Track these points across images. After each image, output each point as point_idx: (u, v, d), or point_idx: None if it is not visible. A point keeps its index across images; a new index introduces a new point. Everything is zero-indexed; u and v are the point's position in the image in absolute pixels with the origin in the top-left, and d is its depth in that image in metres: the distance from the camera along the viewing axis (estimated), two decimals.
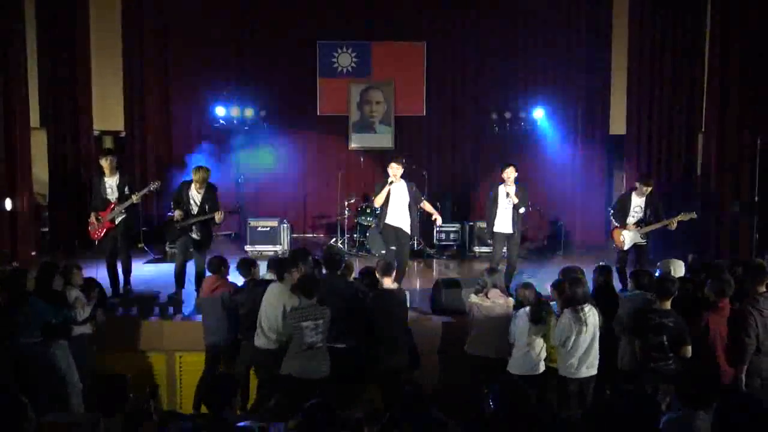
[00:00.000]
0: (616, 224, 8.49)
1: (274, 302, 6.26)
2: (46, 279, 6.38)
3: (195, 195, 8.15)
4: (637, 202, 8.39)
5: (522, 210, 8.41)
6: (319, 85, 12.76)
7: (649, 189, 8.36)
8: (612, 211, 8.68)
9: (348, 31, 12.66)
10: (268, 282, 6.57)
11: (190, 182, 8.17)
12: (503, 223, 8.47)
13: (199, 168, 8.21)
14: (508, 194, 8.30)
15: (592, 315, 5.83)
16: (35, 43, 10.75)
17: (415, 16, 12.60)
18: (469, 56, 12.65)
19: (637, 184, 8.47)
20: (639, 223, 8.32)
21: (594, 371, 5.90)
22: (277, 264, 6.66)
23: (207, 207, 8.11)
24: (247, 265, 6.94)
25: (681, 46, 11.06)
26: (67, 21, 11.09)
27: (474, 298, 6.50)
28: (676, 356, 5.79)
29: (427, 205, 8.46)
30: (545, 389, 6.14)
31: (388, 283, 6.44)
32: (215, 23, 12.35)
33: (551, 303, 6.36)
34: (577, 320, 5.79)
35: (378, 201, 8.13)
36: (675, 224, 8.18)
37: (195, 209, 8.15)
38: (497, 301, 6.38)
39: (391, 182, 8.01)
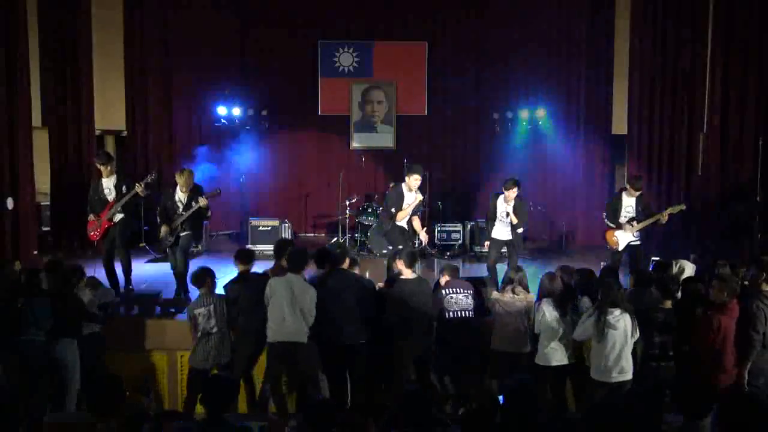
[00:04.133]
0: (610, 225, 8.48)
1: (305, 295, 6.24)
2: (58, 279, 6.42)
3: (181, 196, 8.00)
4: (629, 202, 8.42)
5: (520, 230, 8.37)
6: (321, 84, 12.75)
7: (639, 192, 8.37)
8: (605, 214, 8.66)
9: (350, 31, 12.68)
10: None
11: (175, 186, 8.04)
12: (501, 231, 8.47)
13: (182, 171, 8.05)
14: (508, 214, 8.27)
15: (622, 320, 5.69)
16: (37, 42, 10.74)
17: (417, 15, 12.60)
18: (470, 56, 12.64)
19: (628, 186, 8.51)
20: (631, 221, 8.31)
21: (626, 377, 5.74)
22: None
23: (193, 204, 7.93)
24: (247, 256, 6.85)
25: (682, 45, 11.04)
26: (68, 20, 11.07)
27: (495, 295, 6.58)
28: (676, 356, 5.81)
29: (416, 221, 8.48)
30: (567, 382, 6.20)
31: (408, 274, 6.47)
32: (216, 22, 12.34)
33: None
34: (600, 322, 5.69)
35: (401, 216, 8.19)
36: (666, 217, 8.16)
37: (181, 209, 7.99)
38: (518, 296, 6.42)
39: (418, 200, 8.22)
